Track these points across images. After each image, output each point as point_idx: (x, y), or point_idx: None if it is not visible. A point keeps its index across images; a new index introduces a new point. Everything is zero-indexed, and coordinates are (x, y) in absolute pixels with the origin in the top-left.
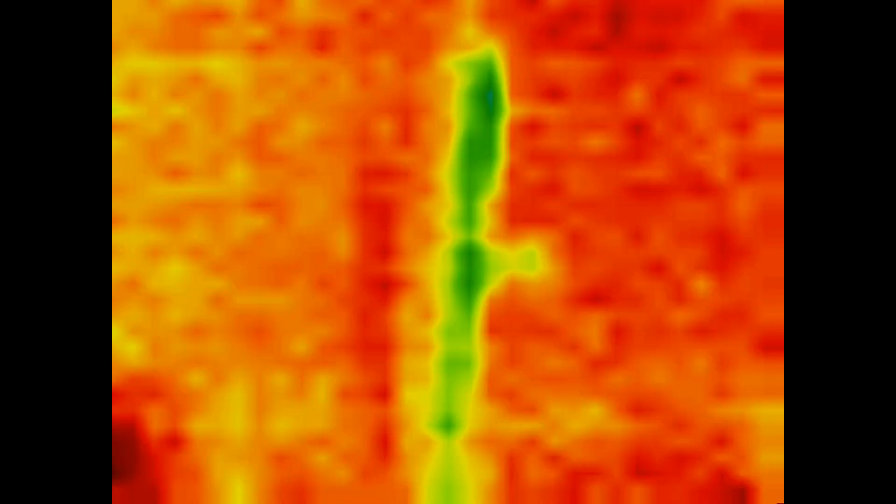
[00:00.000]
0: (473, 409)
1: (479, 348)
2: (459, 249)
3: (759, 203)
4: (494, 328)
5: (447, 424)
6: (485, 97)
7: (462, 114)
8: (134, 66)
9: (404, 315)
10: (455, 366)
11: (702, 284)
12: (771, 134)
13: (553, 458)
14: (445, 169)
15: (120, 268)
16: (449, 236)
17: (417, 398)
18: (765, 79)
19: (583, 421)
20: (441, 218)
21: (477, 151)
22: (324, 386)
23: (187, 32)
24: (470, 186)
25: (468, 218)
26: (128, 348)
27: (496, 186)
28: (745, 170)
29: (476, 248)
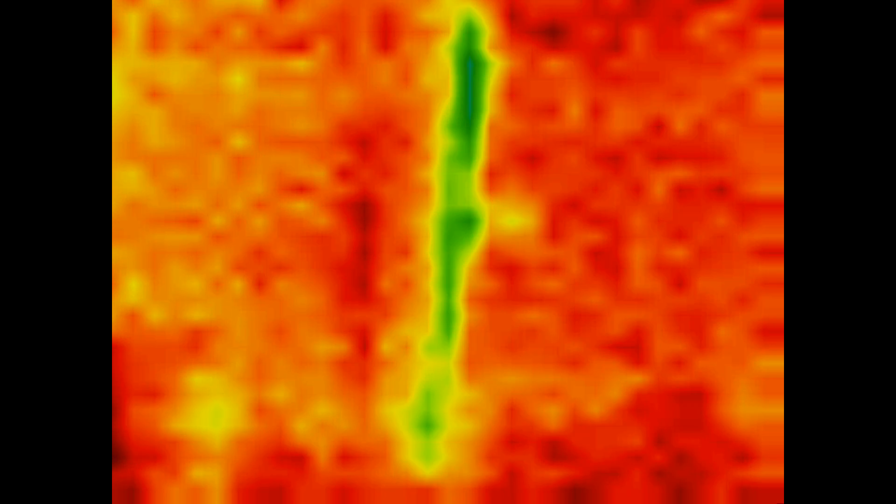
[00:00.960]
0: (460, 376)
1: (463, 310)
2: (447, 213)
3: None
4: (480, 292)
5: (438, 379)
6: (471, 63)
7: (451, 79)
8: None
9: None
10: (448, 321)
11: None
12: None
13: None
14: (434, 132)
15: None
16: (437, 201)
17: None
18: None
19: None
20: (429, 181)
21: (465, 114)
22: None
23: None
24: (458, 150)
25: (456, 184)
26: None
27: (484, 149)
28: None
29: (464, 212)
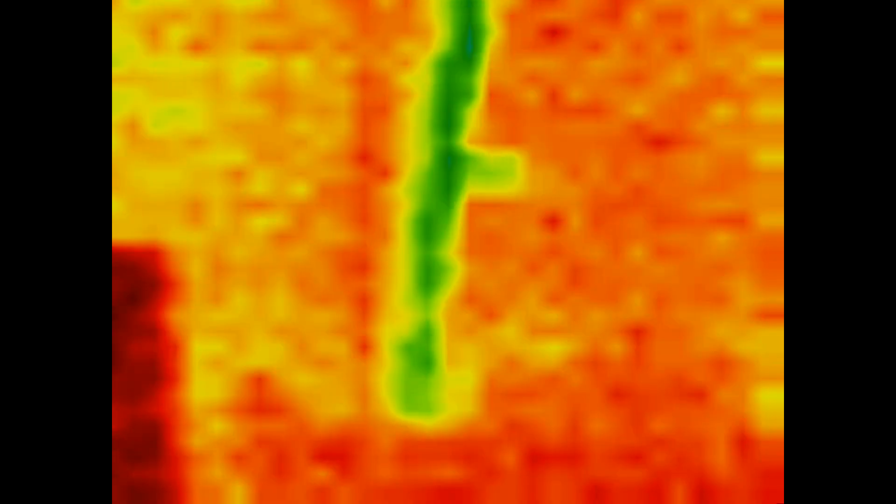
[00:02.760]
0: (450, 316)
1: (455, 255)
2: (438, 155)
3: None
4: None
5: (424, 331)
6: (468, 6)
7: (445, 21)
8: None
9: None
10: (431, 273)
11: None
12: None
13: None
14: (425, 75)
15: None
16: (428, 141)
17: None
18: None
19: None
20: (421, 123)
21: (459, 57)
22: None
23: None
24: (451, 92)
25: (448, 124)
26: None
27: (478, 92)
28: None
29: (455, 154)
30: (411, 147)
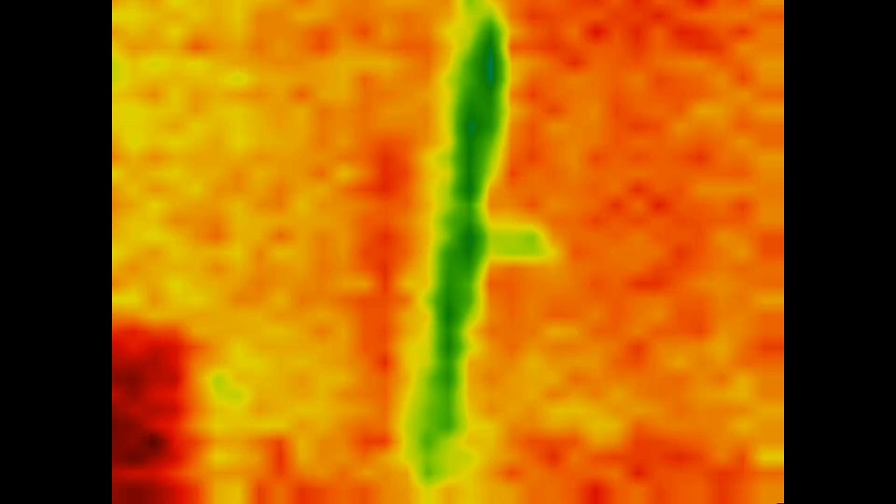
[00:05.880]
0: (468, 397)
1: (473, 333)
2: (457, 226)
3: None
4: (493, 309)
5: (442, 413)
6: (485, 66)
7: (461, 82)
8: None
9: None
10: (450, 350)
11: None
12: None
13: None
14: (443, 141)
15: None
16: (446, 213)
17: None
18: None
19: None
20: (438, 196)
21: (476, 124)
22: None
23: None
24: (469, 161)
25: (466, 194)
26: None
27: (496, 163)
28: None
29: (474, 226)
30: (431, 221)
